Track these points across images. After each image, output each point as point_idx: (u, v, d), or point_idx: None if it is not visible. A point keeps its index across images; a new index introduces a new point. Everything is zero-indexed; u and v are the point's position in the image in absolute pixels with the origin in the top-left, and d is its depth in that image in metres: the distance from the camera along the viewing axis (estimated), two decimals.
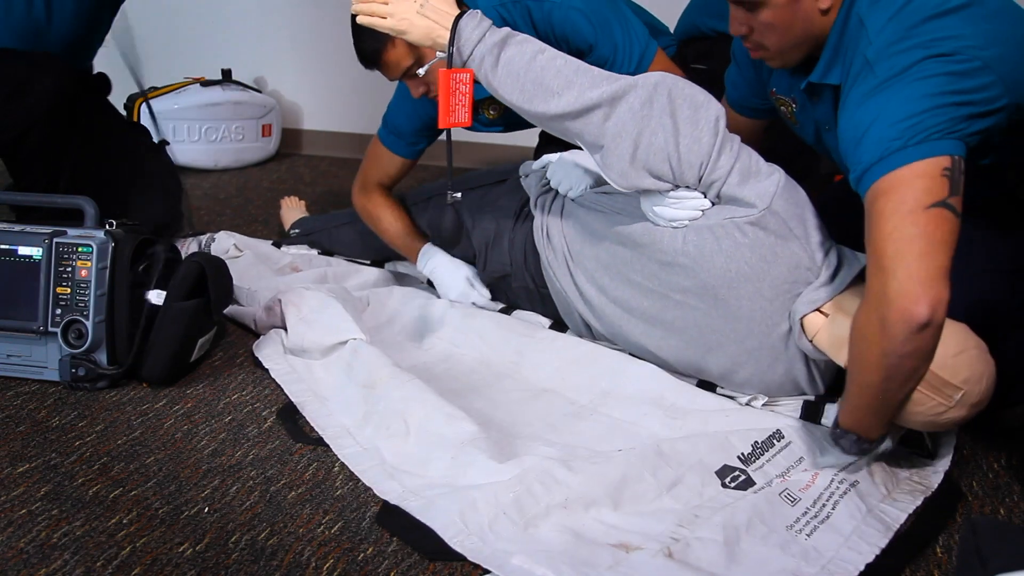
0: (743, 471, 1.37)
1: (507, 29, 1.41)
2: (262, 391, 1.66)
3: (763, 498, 1.30)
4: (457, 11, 1.42)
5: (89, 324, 1.58)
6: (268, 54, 3.52)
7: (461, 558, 1.18)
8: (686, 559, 1.17)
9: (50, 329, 1.60)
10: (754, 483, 1.35)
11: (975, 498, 1.37)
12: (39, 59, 1.87)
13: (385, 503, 1.29)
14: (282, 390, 1.64)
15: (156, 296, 1.62)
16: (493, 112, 2.14)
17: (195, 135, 3.22)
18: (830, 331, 1.36)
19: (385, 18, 1.42)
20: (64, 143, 1.83)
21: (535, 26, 1.88)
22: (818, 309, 1.38)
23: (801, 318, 1.39)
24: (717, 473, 1.36)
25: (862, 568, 1.17)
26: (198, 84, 3.27)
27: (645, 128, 1.35)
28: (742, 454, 1.40)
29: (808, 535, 1.23)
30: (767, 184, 1.38)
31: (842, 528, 1.24)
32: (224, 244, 2.24)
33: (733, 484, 1.35)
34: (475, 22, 1.40)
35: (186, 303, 1.65)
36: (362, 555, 1.21)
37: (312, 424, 1.52)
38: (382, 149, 2.11)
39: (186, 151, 3.17)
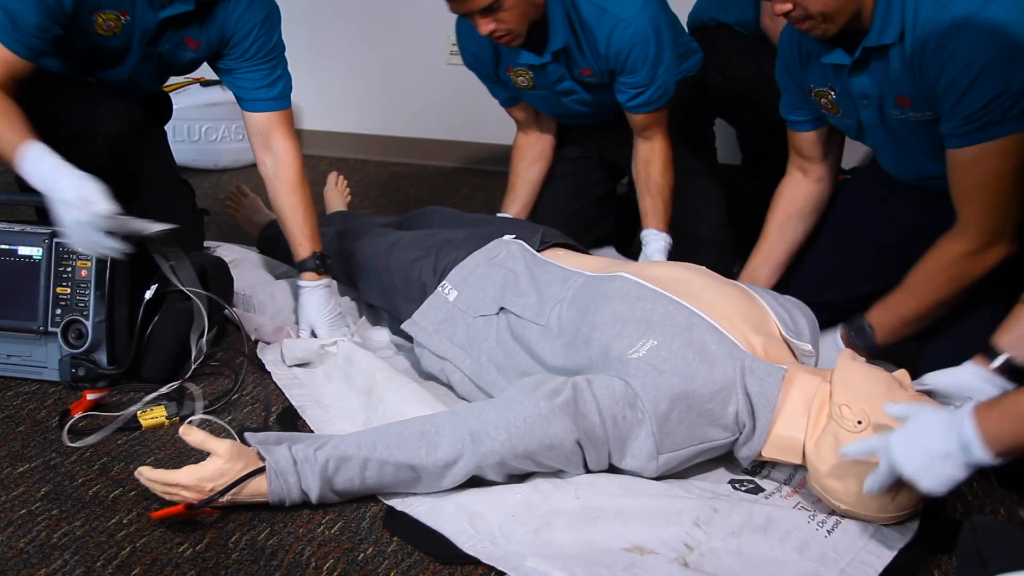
0: (750, 480, 1.38)
1: (312, 465, 1.25)
2: (263, 391, 1.66)
3: (776, 503, 1.31)
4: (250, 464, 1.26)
5: (89, 324, 1.58)
6: None
7: (472, 561, 1.18)
8: (701, 567, 1.16)
9: (50, 329, 1.59)
10: (763, 489, 1.36)
11: (975, 498, 1.37)
12: (108, 102, 1.85)
13: (390, 508, 1.29)
14: (283, 391, 1.63)
15: (148, 291, 1.61)
16: (523, 81, 2.14)
17: (195, 135, 3.21)
18: (778, 451, 1.33)
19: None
20: (116, 189, 1.84)
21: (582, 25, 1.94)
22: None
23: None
24: (727, 483, 1.37)
25: (880, 571, 1.17)
26: (198, 84, 3.26)
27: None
28: (746, 467, 1.40)
29: (828, 532, 1.23)
30: (642, 444, 1.30)
31: (862, 532, 1.23)
32: (226, 255, 2.22)
33: (743, 489, 1.35)
34: (281, 482, 1.25)
35: (186, 303, 1.64)
36: (362, 555, 1.21)
37: (313, 429, 1.52)
38: None
39: (186, 151, 3.16)
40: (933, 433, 1.11)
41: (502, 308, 1.55)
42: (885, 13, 1.50)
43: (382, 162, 3.54)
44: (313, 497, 1.26)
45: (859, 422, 1.23)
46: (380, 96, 3.57)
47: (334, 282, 1.87)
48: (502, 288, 1.58)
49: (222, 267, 1.80)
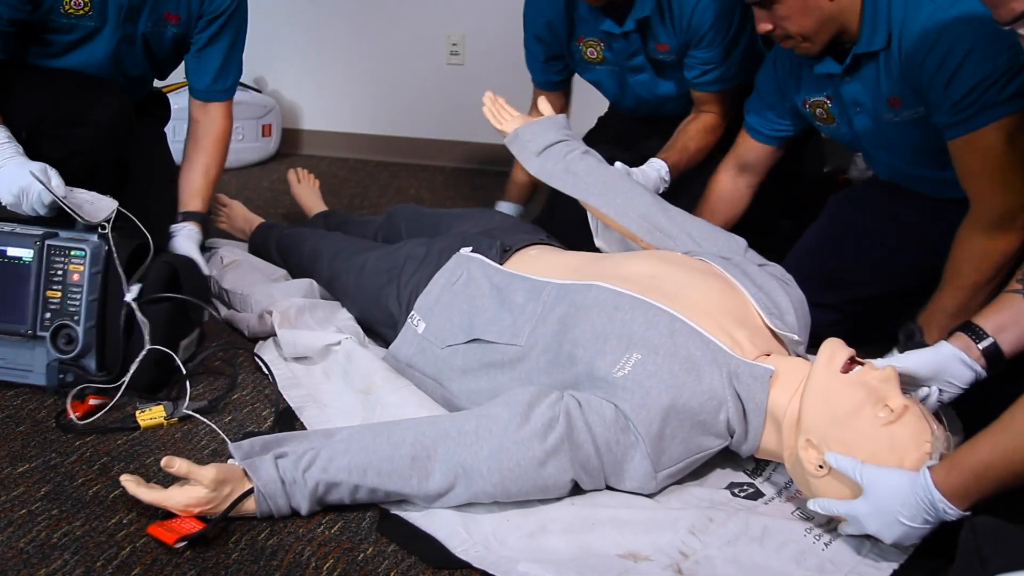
0: (750, 484, 1.37)
1: (301, 488, 1.24)
2: (262, 391, 1.66)
3: (775, 510, 1.30)
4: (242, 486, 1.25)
5: (80, 329, 1.55)
6: (268, 54, 3.52)
7: (465, 565, 1.18)
8: (696, 575, 1.15)
9: (39, 333, 1.55)
10: (763, 494, 1.35)
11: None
12: (102, 90, 1.88)
13: (384, 511, 1.29)
14: (281, 392, 1.63)
15: (132, 292, 1.57)
16: (593, 53, 2.17)
17: None
18: (767, 456, 1.35)
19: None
20: (105, 177, 1.85)
21: None
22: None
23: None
24: (725, 487, 1.36)
25: None
26: None
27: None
28: (747, 469, 1.40)
29: (826, 545, 1.22)
30: (638, 466, 1.29)
31: (860, 546, 1.22)
32: (227, 256, 2.22)
33: (743, 495, 1.34)
34: (270, 503, 1.24)
35: (158, 306, 1.61)
36: (362, 555, 1.21)
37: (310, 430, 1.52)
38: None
39: None
40: (902, 505, 1.12)
41: (474, 339, 1.50)
42: (872, 21, 1.55)
43: (382, 162, 3.55)
44: (303, 512, 1.26)
45: (820, 466, 1.21)
46: (380, 96, 3.57)
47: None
48: (469, 318, 1.52)
49: (192, 266, 1.77)
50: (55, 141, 1.79)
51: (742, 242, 1.58)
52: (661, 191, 2.01)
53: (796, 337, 1.41)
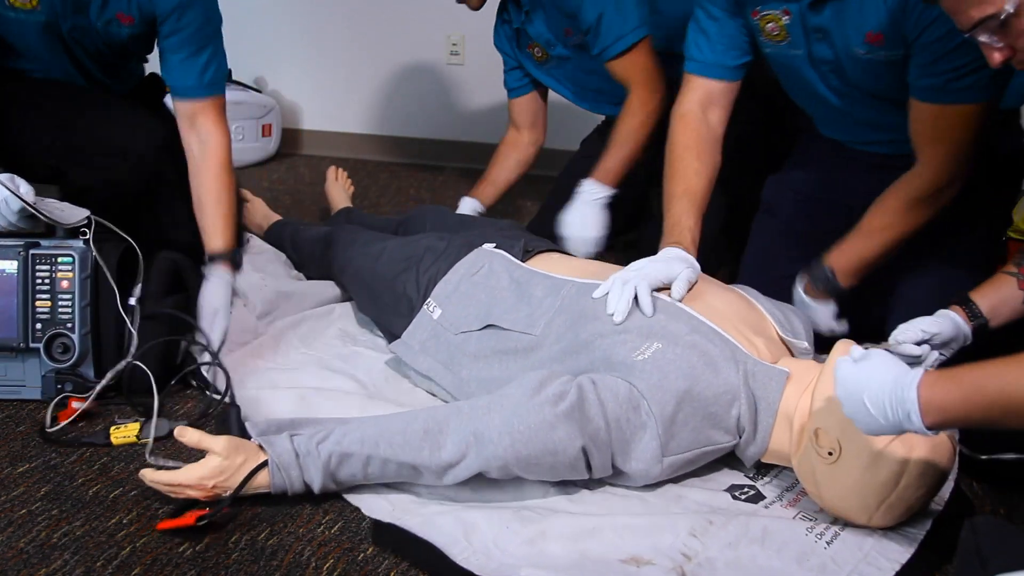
0: (752, 486, 1.37)
1: (315, 459, 1.25)
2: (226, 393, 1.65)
3: (776, 513, 1.30)
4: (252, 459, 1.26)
5: (75, 337, 1.52)
6: (268, 54, 3.52)
7: (467, 573, 1.17)
8: None
9: (31, 345, 1.52)
10: (764, 496, 1.35)
11: (975, 498, 1.37)
12: (137, 118, 1.86)
13: (376, 522, 1.26)
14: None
15: (135, 295, 1.56)
16: (539, 53, 2.25)
17: None
18: (775, 458, 1.35)
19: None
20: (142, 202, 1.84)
21: None
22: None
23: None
24: (726, 490, 1.36)
25: None
26: None
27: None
28: (749, 473, 1.40)
29: (828, 543, 1.21)
30: (647, 447, 1.28)
31: (862, 543, 1.21)
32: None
33: (743, 497, 1.34)
34: (284, 475, 1.25)
35: (167, 301, 1.60)
36: (362, 555, 1.21)
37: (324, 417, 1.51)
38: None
39: None
40: (879, 385, 1.06)
41: (489, 325, 1.52)
42: None
43: (382, 162, 3.54)
44: (316, 488, 1.27)
45: (830, 452, 1.22)
46: (380, 96, 3.57)
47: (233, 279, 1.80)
48: (487, 307, 1.54)
49: (194, 269, 1.74)
50: (91, 170, 1.79)
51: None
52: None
53: (806, 346, 1.46)
